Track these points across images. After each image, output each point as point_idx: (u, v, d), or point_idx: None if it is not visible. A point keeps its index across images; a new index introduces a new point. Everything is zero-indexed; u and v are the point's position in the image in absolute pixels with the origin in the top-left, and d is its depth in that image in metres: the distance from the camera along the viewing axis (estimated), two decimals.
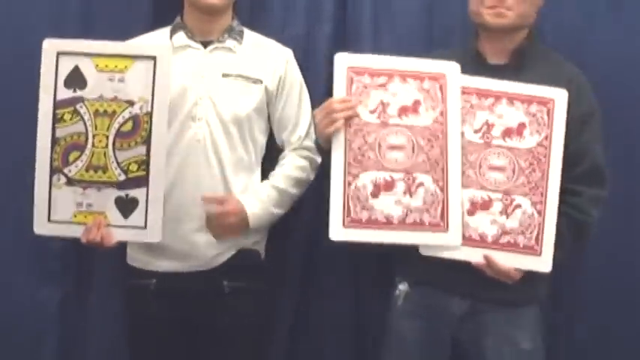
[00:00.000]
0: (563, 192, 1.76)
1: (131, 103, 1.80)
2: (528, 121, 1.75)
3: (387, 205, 1.74)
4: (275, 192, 1.92)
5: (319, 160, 1.95)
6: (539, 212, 1.74)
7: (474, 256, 1.74)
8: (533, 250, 1.74)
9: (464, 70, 1.79)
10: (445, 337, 1.85)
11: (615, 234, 2.06)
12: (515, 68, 1.83)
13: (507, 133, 1.76)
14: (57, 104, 1.83)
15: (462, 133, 1.77)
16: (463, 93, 1.78)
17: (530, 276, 1.76)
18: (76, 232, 1.85)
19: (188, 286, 1.89)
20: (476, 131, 1.77)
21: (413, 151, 1.75)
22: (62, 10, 2.13)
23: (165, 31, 1.96)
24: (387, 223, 1.74)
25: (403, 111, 1.76)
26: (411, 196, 1.74)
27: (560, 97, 1.76)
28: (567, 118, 1.75)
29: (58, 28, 2.06)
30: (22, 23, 2.13)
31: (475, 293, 1.79)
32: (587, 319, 2.14)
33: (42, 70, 1.83)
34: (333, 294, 2.17)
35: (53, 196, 1.84)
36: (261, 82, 1.92)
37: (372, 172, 1.74)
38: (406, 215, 1.74)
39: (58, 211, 1.84)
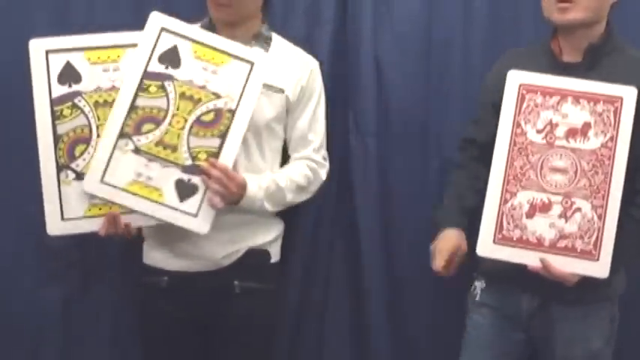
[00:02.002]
0: (630, 195, 1.74)
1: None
2: (594, 121, 1.72)
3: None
4: (273, 186, 1.89)
5: (324, 176, 1.99)
6: (599, 216, 1.70)
7: (530, 259, 1.73)
8: (590, 255, 1.71)
9: (539, 69, 1.79)
10: (518, 334, 1.87)
11: None
12: (589, 66, 1.80)
13: (571, 133, 1.73)
14: (53, 101, 1.85)
15: (525, 133, 1.76)
16: (528, 91, 1.76)
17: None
18: (92, 226, 1.83)
19: (198, 286, 1.89)
20: (539, 131, 1.75)
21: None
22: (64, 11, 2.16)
23: None
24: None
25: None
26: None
27: (629, 95, 1.71)
28: (635, 117, 1.71)
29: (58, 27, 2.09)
30: (22, 23, 2.14)
31: (544, 291, 1.79)
32: None
33: (33, 70, 1.85)
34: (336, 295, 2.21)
35: (63, 193, 1.83)
36: (283, 91, 1.92)
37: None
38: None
39: (71, 208, 1.83)
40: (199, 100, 1.85)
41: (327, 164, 2.03)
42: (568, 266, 1.71)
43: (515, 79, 1.78)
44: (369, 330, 2.21)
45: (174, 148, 1.83)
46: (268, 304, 1.97)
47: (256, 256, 1.94)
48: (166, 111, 1.84)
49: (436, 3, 2.20)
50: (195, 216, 1.83)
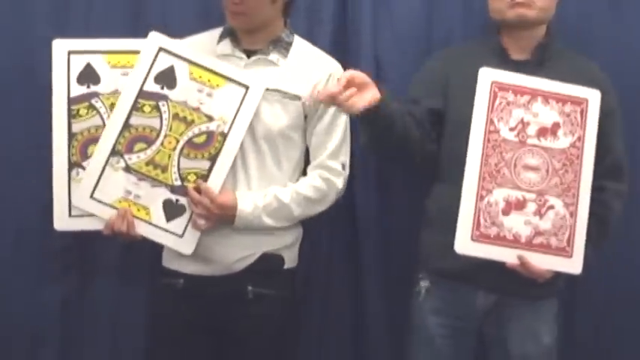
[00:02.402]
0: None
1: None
2: (562, 121, 1.76)
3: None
4: (275, 202, 1.86)
5: (340, 185, 1.92)
6: (571, 214, 1.74)
7: (507, 256, 1.74)
8: (565, 251, 1.74)
9: (487, 66, 1.80)
10: (471, 332, 1.88)
11: (615, 232, 2.06)
12: (537, 64, 1.86)
13: (542, 132, 1.76)
14: (71, 100, 1.89)
15: (498, 131, 1.77)
16: (500, 89, 1.77)
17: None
18: (97, 224, 1.87)
19: (212, 290, 1.89)
20: (511, 129, 1.76)
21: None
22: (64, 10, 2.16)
23: (213, 35, 1.96)
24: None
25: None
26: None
27: (593, 97, 1.76)
28: None
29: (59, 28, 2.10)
30: (23, 23, 2.15)
31: (501, 287, 1.80)
32: (588, 319, 2.18)
33: (54, 69, 1.89)
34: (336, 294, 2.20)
35: (73, 190, 1.87)
36: (299, 98, 1.88)
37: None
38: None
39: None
40: (192, 121, 1.87)
41: (344, 172, 1.95)
42: (544, 263, 1.74)
43: (488, 76, 1.78)
44: (369, 330, 2.20)
45: (165, 169, 1.86)
46: (281, 310, 1.94)
47: (269, 261, 1.92)
48: (159, 131, 1.87)
49: (436, 3, 2.18)
50: (180, 236, 1.86)
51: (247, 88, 1.86)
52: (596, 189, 1.79)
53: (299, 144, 1.94)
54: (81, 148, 1.88)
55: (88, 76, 1.90)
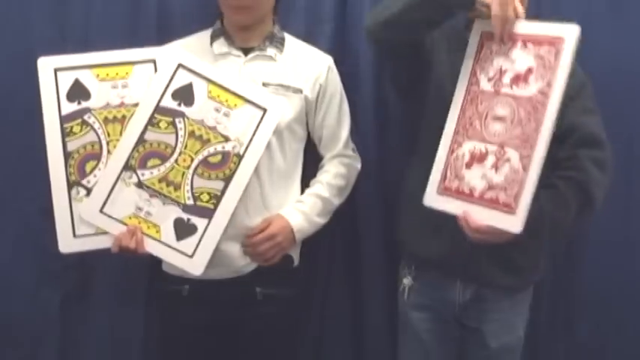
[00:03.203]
0: (559, 162, 1.72)
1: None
2: (536, 66, 1.64)
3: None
4: (319, 201, 1.93)
5: (359, 166, 2.02)
6: (524, 168, 1.62)
7: (459, 209, 1.69)
8: (510, 208, 1.63)
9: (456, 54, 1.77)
10: (453, 324, 1.89)
11: (615, 232, 2.13)
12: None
13: (516, 80, 1.67)
14: (63, 118, 1.86)
15: (478, 82, 1.71)
16: (487, 39, 1.72)
17: (532, 262, 1.81)
18: (104, 242, 1.86)
19: (220, 293, 1.89)
20: (489, 79, 1.71)
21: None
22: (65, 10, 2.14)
23: (206, 36, 1.96)
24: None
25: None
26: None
27: (570, 35, 1.61)
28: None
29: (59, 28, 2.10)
30: (23, 23, 2.13)
31: (479, 278, 1.80)
32: (588, 319, 2.20)
33: (42, 88, 1.85)
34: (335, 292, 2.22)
35: (75, 210, 1.84)
36: (301, 91, 1.92)
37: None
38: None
39: (83, 224, 1.85)
40: (208, 140, 1.85)
41: (357, 155, 2.05)
42: (487, 219, 1.65)
43: (479, 27, 1.74)
44: (369, 330, 2.22)
45: (178, 186, 1.84)
46: (290, 310, 1.97)
47: (279, 261, 1.93)
48: (174, 148, 1.85)
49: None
50: (190, 257, 1.84)
51: (265, 110, 1.85)
52: (569, 158, 1.73)
53: (302, 136, 1.97)
54: (79, 166, 1.86)
55: (78, 92, 1.86)
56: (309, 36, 2.09)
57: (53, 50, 1.91)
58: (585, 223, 2.09)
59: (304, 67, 1.94)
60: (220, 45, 1.93)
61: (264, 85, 1.90)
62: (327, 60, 1.99)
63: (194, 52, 1.91)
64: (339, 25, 2.16)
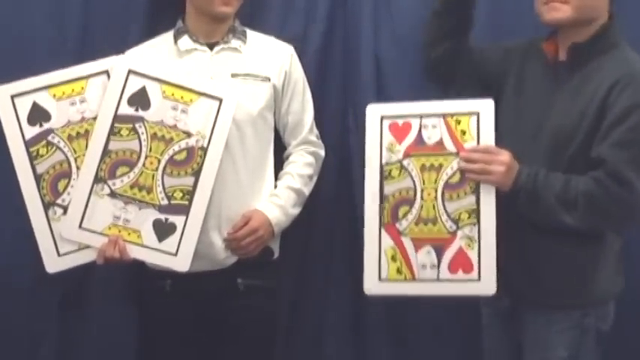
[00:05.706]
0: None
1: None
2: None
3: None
4: (293, 193, 1.98)
5: (323, 153, 2.06)
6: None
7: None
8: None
9: (528, 66, 1.84)
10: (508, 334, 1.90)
11: None
12: (571, 66, 1.78)
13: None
14: (28, 143, 1.88)
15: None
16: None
17: (576, 279, 1.75)
18: (89, 256, 1.88)
19: (203, 286, 1.92)
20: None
21: None
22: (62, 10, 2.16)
23: (168, 36, 1.99)
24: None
25: None
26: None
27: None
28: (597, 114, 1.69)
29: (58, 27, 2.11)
30: (23, 23, 2.15)
31: (512, 292, 1.80)
32: None
33: (2, 117, 1.88)
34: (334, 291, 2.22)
35: (55, 230, 1.87)
36: (269, 79, 1.96)
37: None
38: None
39: (65, 242, 1.88)
40: (171, 139, 1.88)
41: (321, 142, 2.08)
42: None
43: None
44: (369, 330, 2.22)
45: (150, 189, 1.87)
46: (270, 300, 2.01)
47: (260, 253, 1.96)
48: (139, 153, 1.88)
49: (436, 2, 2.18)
50: (174, 255, 1.87)
51: (221, 100, 1.88)
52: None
53: (271, 124, 2.01)
54: (51, 186, 1.88)
55: (38, 115, 1.89)
56: (308, 35, 2.14)
57: (53, 50, 1.95)
58: None
59: (269, 57, 1.99)
60: (185, 42, 1.97)
61: (232, 76, 1.95)
62: (289, 49, 2.04)
63: (159, 51, 1.96)
64: (338, 24, 2.19)
